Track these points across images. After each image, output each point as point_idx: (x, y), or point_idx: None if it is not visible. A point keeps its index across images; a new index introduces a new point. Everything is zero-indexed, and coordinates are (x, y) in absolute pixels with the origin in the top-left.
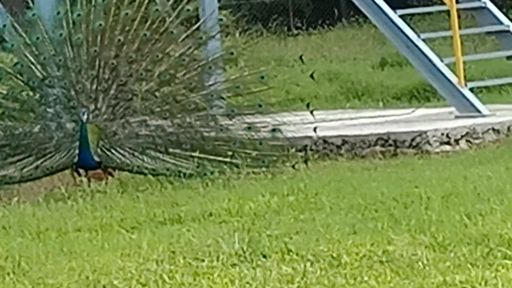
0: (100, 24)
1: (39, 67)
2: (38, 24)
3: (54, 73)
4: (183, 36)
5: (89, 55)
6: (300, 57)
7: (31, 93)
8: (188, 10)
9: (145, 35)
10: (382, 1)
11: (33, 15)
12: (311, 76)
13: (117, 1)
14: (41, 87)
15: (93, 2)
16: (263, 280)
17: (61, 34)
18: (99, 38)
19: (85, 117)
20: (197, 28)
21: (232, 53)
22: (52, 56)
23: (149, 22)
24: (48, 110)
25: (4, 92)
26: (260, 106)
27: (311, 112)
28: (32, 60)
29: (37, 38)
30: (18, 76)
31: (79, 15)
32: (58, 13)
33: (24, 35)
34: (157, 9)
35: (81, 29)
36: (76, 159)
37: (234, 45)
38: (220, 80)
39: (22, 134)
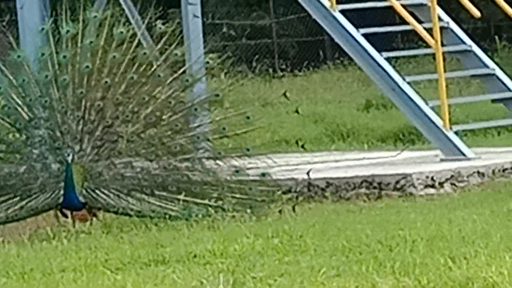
0: (87, 66)
1: (25, 108)
2: (24, 66)
3: (40, 114)
4: (170, 79)
5: (75, 96)
6: (284, 94)
7: (17, 135)
8: (176, 54)
9: (132, 77)
10: (367, 44)
11: (18, 56)
12: (296, 111)
13: (105, 43)
14: (27, 129)
15: (79, 44)
16: None
17: (46, 76)
18: (85, 79)
19: (70, 157)
20: (184, 71)
21: (217, 95)
22: (38, 98)
23: (136, 65)
24: (34, 151)
25: None
26: (247, 150)
27: (303, 146)
28: (19, 102)
29: (23, 80)
30: (5, 118)
31: (64, 56)
32: (43, 54)
33: (10, 77)
34: (144, 53)
35: (67, 71)
36: (61, 200)
37: (220, 87)
38: (206, 122)
39: (8, 175)
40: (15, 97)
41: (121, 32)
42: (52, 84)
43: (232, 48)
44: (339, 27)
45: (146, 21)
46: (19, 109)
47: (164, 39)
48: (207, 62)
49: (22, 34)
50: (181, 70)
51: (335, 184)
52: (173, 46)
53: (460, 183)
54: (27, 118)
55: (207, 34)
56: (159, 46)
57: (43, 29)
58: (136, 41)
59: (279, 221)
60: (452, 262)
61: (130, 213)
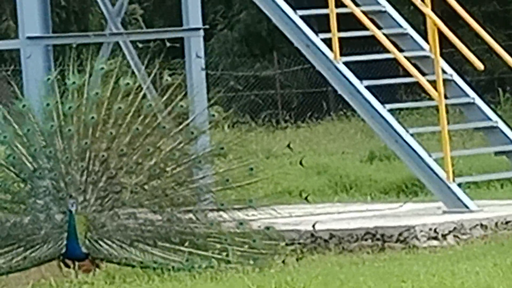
0: (93, 117)
1: (30, 158)
2: (29, 115)
3: (45, 164)
4: (175, 130)
5: (79, 147)
6: (288, 145)
7: (22, 185)
8: (181, 106)
9: (137, 129)
10: (371, 96)
11: (23, 106)
12: (301, 163)
13: (110, 95)
14: (31, 179)
15: (85, 95)
16: None
17: (51, 126)
18: (90, 130)
19: (73, 208)
20: (188, 123)
21: (222, 148)
22: (42, 148)
23: (141, 116)
24: (38, 201)
25: None
26: (250, 201)
27: (306, 198)
28: (23, 151)
29: (28, 130)
30: (10, 168)
31: (70, 107)
32: (48, 104)
33: (15, 126)
34: (150, 104)
35: (72, 121)
36: (64, 250)
37: (225, 140)
38: (209, 174)
39: (13, 225)
40: (20, 146)
41: (127, 84)
42: (57, 135)
43: (236, 99)
44: (342, 79)
45: (153, 73)
46: (24, 159)
47: (170, 91)
48: (213, 115)
49: (26, 83)
50: (186, 122)
51: (338, 235)
52: (178, 98)
53: (463, 236)
54: (31, 168)
55: (211, 85)
56: (164, 98)
57: (48, 79)
58: (142, 92)
59: (282, 273)
60: None
61: (133, 264)
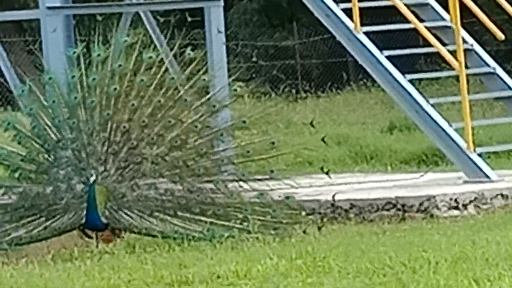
0: (115, 89)
1: (54, 129)
2: (54, 88)
3: (68, 135)
4: (197, 103)
5: (101, 118)
6: (311, 123)
7: (46, 155)
8: (204, 80)
9: (159, 101)
10: (391, 66)
11: (50, 78)
12: (323, 140)
13: (134, 67)
14: (55, 150)
15: (109, 68)
16: None
17: (75, 98)
18: (112, 101)
19: (93, 178)
20: (210, 97)
21: (244, 121)
22: (66, 119)
23: (163, 89)
24: (60, 172)
25: (23, 154)
26: (272, 172)
27: (327, 173)
28: (48, 123)
29: (53, 102)
30: (36, 139)
31: (94, 79)
32: (73, 77)
33: (41, 98)
34: (172, 78)
35: (96, 93)
36: (83, 220)
37: (247, 115)
38: (231, 146)
39: (36, 195)
40: (45, 118)
41: (150, 57)
42: (80, 106)
43: (255, 69)
44: (363, 49)
45: (175, 47)
46: (48, 130)
47: (192, 65)
48: (235, 90)
49: (46, 54)
50: (208, 96)
51: (358, 205)
52: (201, 72)
53: (483, 205)
54: (55, 139)
55: (230, 55)
56: (187, 71)
57: (74, 52)
58: (164, 66)
59: (302, 243)
60: (476, 285)
61: (154, 234)
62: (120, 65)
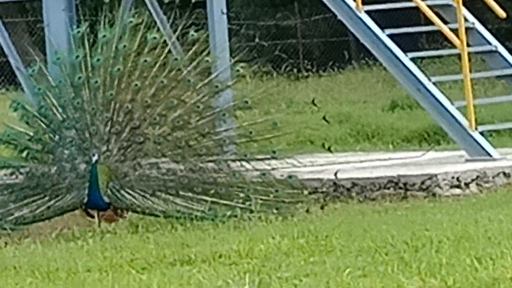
0: (119, 69)
1: (60, 109)
2: (61, 68)
3: (72, 115)
4: (199, 84)
5: (105, 98)
6: (313, 101)
7: (51, 135)
8: (207, 61)
9: (162, 82)
10: (393, 44)
11: (58, 59)
12: (324, 118)
13: (137, 48)
14: (60, 129)
15: (113, 48)
16: None
17: (79, 78)
18: (116, 82)
19: (95, 157)
20: (212, 79)
21: (246, 102)
22: (71, 99)
23: (167, 69)
24: (65, 151)
25: (31, 134)
26: (274, 152)
27: (329, 149)
28: (55, 103)
29: (60, 82)
30: (42, 119)
31: (98, 59)
32: (77, 57)
33: (50, 78)
34: (175, 59)
35: (99, 73)
36: (85, 200)
37: (249, 95)
38: (233, 127)
39: (42, 175)
40: (51, 98)
41: (154, 38)
42: (84, 86)
43: (257, 49)
44: (364, 28)
45: (179, 29)
46: (54, 110)
47: (196, 46)
48: (237, 70)
49: (49, 34)
50: (211, 77)
51: (360, 184)
52: (204, 53)
53: (485, 184)
54: (61, 119)
55: (232, 35)
56: (190, 52)
57: (79, 31)
58: (168, 47)
59: (305, 222)
60: (478, 263)
61: (156, 213)
62: (124, 46)
